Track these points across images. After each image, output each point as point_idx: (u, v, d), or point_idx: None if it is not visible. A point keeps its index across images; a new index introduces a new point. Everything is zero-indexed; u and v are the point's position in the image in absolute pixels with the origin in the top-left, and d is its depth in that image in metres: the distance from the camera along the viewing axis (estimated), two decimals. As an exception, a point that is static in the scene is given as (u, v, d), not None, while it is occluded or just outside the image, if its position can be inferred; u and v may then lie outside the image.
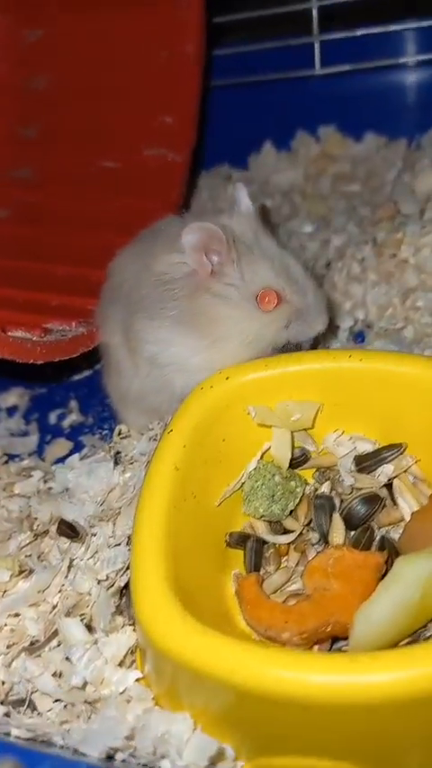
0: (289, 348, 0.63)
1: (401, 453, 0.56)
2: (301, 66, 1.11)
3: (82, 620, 0.53)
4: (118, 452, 0.72)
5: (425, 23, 1.04)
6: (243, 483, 0.57)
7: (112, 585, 0.55)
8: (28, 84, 1.01)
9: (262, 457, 0.58)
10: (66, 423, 0.84)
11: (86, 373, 0.90)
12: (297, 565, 0.55)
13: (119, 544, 0.57)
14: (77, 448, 0.78)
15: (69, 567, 0.56)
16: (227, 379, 0.57)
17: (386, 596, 0.40)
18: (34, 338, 0.71)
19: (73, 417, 0.84)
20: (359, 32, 1.04)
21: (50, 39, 1.00)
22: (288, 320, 0.60)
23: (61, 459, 0.75)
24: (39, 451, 0.80)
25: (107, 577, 0.55)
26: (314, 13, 1.05)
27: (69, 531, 0.58)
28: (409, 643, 0.46)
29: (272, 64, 1.12)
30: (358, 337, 0.80)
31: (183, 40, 0.92)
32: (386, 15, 1.07)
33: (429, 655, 0.38)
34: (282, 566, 0.56)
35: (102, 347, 0.73)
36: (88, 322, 0.73)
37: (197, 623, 0.42)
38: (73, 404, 0.86)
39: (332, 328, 0.80)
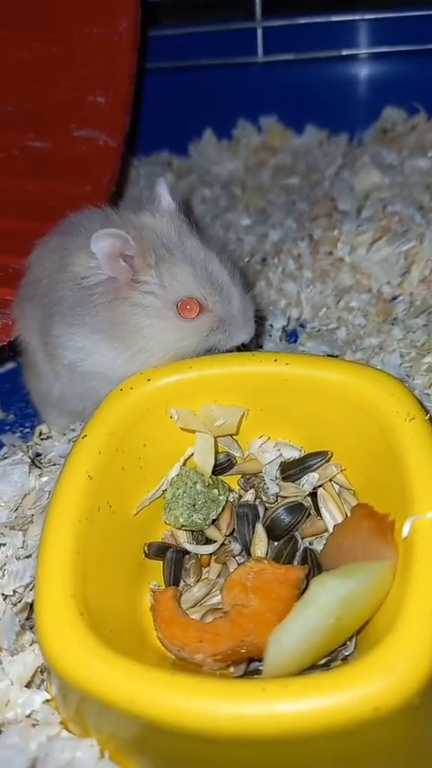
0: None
1: (327, 461, 0.54)
2: (243, 53, 1.08)
3: (-15, 639, 0.49)
4: (38, 454, 0.69)
5: (368, 16, 1.03)
6: (164, 490, 0.55)
7: (20, 601, 0.51)
8: None
9: (185, 463, 0.56)
10: (-15, 421, 0.79)
11: (10, 366, 0.86)
12: (218, 577, 0.53)
13: (29, 556, 0.53)
14: (-3, 447, 0.74)
15: (-26, 581, 0.52)
16: (148, 380, 0.54)
17: (299, 622, 0.38)
18: None
19: (-7, 414, 0.80)
20: (301, 21, 1.02)
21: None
22: (210, 329, 0.57)
23: (-24, 460, 0.71)
24: None
25: (14, 592, 0.51)
26: (257, -3, 1.02)
27: (-23, 541, 0.55)
28: (326, 663, 0.44)
29: (213, 48, 1.09)
30: (291, 337, 0.78)
31: (116, 15, 0.87)
32: (332, 6, 1.05)
33: (342, 682, 0.36)
34: (203, 577, 0.54)
35: (21, 342, 0.69)
36: (5, 313, 0.69)
37: (101, 648, 0.39)
38: (-7, 400, 0.81)
39: (265, 327, 0.78)
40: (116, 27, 0.87)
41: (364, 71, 1.08)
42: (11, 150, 0.87)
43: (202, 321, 0.56)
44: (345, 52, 1.06)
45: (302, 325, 0.79)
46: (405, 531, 0.42)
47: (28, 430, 0.76)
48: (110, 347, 0.57)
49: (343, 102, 1.08)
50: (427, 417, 0.47)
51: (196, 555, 0.54)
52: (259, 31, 1.05)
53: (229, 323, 0.57)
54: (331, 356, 0.72)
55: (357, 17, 1.04)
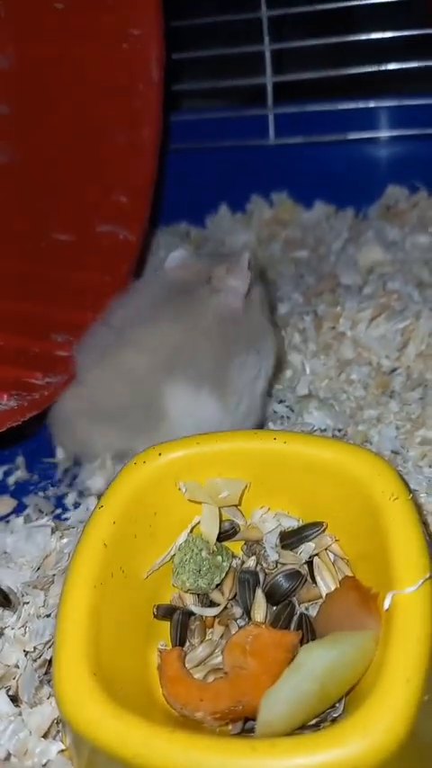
0: None
1: (322, 532, 0.58)
2: (257, 136, 1.16)
3: (7, 691, 0.54)
4: (59, 516, 0.74)
5: (372, 104, 1.11)
6: (173, 555, 0.60)
7: (40, 657, 0.56)
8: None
9: (192, 531, 0.60)
10: (11, 480, 0.84)
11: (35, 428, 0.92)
12: (221, 638, 0.57)
13: (49, 615, 0.58)
14: (21, 507, 0.80)
15: (-1, 637, 0.57)
16: (159, 455, 0.60)
17: (287, 686, 0.43)
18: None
19: (18, 474, 0.85)
20: (309, 108, 1.10)
21: (8, 119, 1.01)
22: None
23: (2, 519, 0.77)
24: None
25: (35, 649, 0.56)
26: (268, 88, 1.11)
27: (3, 599, 0.59)
28: (316, 723, 0.48)
29: (229, 131, 1.18)
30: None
31: (140, 125, 0.95)
32: (337, 93, 1.14)
33: (330, 742, 0.40)
34: (207, 638, 0.58)
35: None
36: (21, 395, 0.75)
37: (110, 705, 0.44)
38: (20, 460, 0.87)
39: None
40: (140, 134, 0.95)
41: (368, 152, 1.16)
42: (39, 243, 0.95)
43: None
44: (350, 136, 1.14)
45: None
46: (386, 603, 0.46)
47: (50, 491, 0.82)
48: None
49: (349, 180, 1.16)
50: (410, 497, 0.52)
51: (201, 617, 0.58)
52: (271, 117, 1.14)
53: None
54: (334, 429, 0.77)
55: (361, 105, 1.12)
